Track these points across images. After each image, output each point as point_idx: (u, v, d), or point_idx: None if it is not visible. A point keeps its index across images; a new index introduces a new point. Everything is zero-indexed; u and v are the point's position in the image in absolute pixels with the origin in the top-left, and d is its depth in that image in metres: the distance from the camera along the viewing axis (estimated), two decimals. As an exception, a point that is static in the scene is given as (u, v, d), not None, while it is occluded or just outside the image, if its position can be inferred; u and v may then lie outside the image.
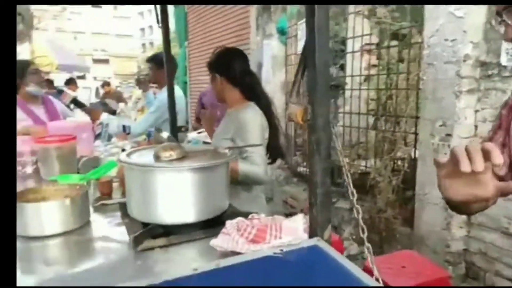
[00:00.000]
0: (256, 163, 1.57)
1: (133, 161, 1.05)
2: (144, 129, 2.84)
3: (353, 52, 3.77)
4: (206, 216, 1.06)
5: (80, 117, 2.42)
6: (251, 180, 1.61)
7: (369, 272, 0.79)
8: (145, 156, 1.11)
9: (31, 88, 2.43)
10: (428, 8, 2.57)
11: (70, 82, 8.27)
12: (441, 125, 2.55)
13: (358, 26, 3.81)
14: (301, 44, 4.28)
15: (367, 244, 0.88)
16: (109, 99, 8.28)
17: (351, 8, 3.84)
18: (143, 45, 41.18)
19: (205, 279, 0.74)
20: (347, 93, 3.94)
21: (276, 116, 1.80)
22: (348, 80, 4.01)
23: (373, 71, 3.90)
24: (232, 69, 1.75)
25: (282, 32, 4.73)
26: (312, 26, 0.85)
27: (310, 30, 0.86)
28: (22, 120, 2.43)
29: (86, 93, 9.53)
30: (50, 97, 2.73)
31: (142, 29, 42.43)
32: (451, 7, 2.42)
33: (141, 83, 3.32)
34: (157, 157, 1.07)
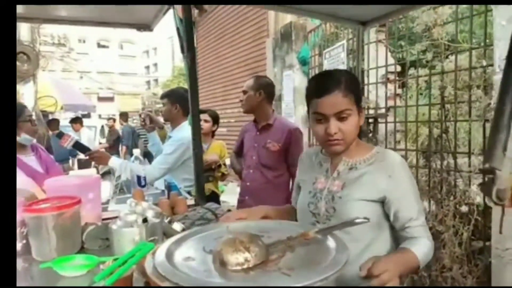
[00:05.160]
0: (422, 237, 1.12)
1: (181, 275, 0.57)
2: (162, 174, 2.41)
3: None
4: None
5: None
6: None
7: None
8: (194, 253, 0.65)
9: (21, 137, 2.04)
10: (499, 26, 2.18)
11: (75, 121, 8.11)
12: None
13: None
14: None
15: None
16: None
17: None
18: (148, 82, 41.67)
19: None
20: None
21: None
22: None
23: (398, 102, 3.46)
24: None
25: (304, 62, 4.39)
26: None
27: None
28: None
29: (91, 132, 9.18)
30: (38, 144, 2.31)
31: (147, 67, 43.16)
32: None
33: (152, 121, 2.67)
34: (222, 264, 0.61)
